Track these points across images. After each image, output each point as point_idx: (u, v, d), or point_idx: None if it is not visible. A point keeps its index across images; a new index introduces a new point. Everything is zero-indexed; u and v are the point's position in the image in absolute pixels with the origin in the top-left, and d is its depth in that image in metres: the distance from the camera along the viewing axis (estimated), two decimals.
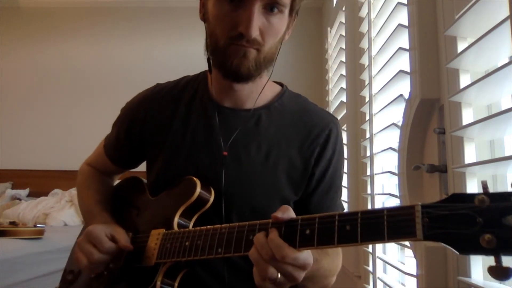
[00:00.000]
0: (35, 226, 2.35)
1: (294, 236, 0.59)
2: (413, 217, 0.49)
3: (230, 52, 0.77)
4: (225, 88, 0.87)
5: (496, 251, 0.44)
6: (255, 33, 0.74)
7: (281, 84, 0.96)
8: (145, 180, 0.99)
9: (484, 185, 0.46)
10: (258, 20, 0.73)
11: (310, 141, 0.88)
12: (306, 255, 0.60)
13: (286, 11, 0.78)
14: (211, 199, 0.83)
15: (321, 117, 0.92)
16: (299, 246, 0.59)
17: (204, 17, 0.83)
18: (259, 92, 0.88)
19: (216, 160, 0.85)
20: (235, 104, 0.89)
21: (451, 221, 0.47)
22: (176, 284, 0.77)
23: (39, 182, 3.46)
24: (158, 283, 0.75)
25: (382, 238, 0.52)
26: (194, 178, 0.82)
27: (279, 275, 0.59)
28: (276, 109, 0.90)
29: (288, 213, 0.63)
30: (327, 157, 0.89)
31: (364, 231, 0.54)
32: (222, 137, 0.86)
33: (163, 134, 0.90)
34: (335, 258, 0.85)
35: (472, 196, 0.47)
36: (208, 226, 0.72)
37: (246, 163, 0.85)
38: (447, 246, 0.47)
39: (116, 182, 1.12)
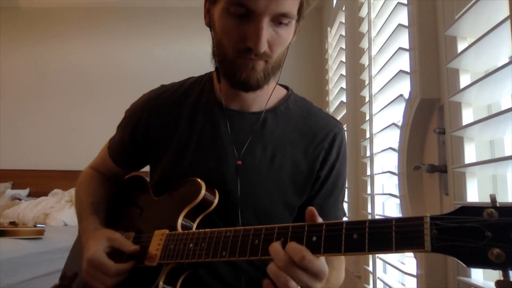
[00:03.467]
0: (35, 226, 2.35)
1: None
2: (422, 229, 0.49)
3: (239, 65, 0.76)
4: (232, 93, 0.87)
5: (504, 265, 0.44)
6: (264, 47, 0.72)
7: (286, 87, 0.96)
8: (148, 179, 0.99)
9: (493, 199, 0.46)
10: (266, 33, 0.72)
11: (315, 145, 0.88)
12: (322, 262, 0.59)
13: (294, 20, 0.77)
14: (215, 201, 0.82)
15: (326, 121, 0.92)
16: None
17: (209, 23, 0.82)
18: (264, 95, 0.88)
19: (222, 162, 0.85)
20: (241, 107, 0.89)
21: (459, 233, 0.47)
22: (178, 286, 0.76)
23: (39, 182, 3.46)
24: (161, 283, 0.74)
25: (390, 249, 0.51)
26: (199, 180, 0.82)
27: None
28: (281, 113, 0.90)
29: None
30: (331, 160, 0.89)
31: (371, 240, 0.53)
32: (231, 141, 0.86)
33: (168, 135, 0.89)
34: (339, 270, 0.85)
35: (481, 209, 0.46)
36: (213, 229, 0.71)
37: (251, 166, 0.85)
38: (455, 259, 0.47)
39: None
